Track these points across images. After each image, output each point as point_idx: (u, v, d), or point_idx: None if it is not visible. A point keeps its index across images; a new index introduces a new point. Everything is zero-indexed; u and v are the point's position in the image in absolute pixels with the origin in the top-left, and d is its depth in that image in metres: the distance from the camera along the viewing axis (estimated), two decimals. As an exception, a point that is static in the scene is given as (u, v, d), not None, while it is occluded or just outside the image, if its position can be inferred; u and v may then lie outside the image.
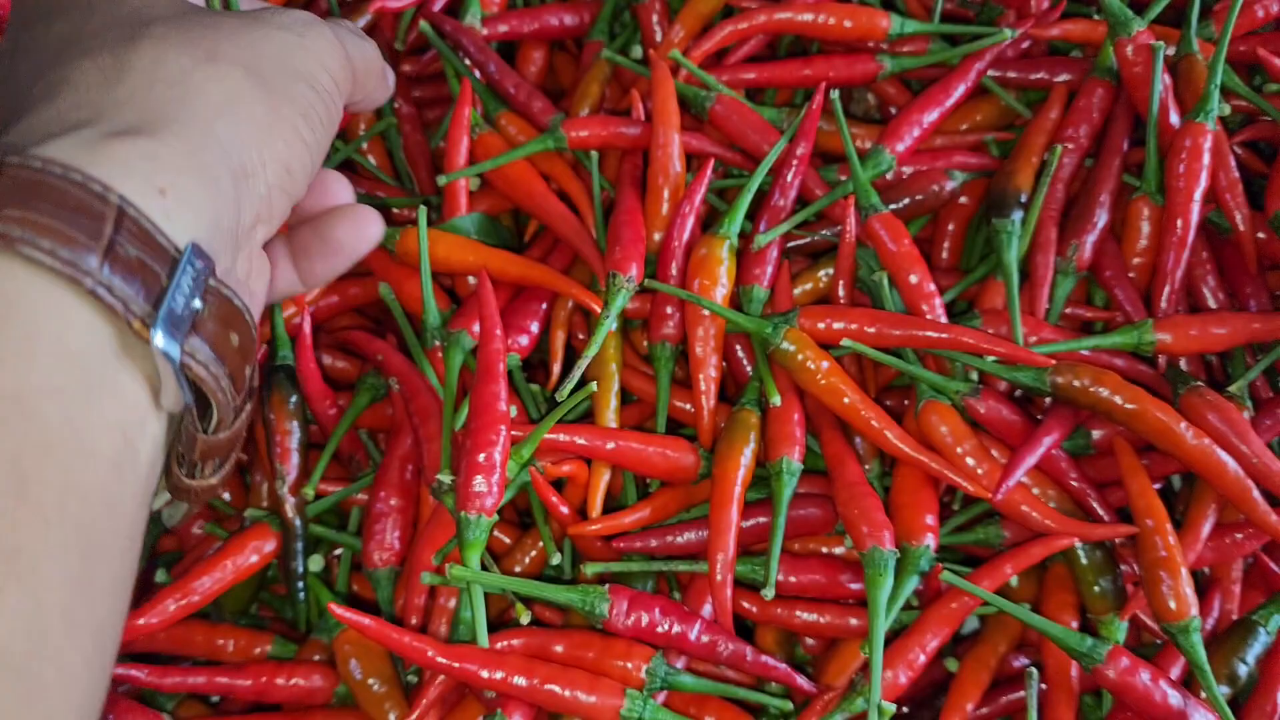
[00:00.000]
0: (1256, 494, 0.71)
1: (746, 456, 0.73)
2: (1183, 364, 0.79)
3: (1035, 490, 0.75)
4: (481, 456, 0.68)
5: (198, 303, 0.48)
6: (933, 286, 0.77)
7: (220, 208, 0.52)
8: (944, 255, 0.85)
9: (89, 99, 0.52)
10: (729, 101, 0.83)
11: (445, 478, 0.70)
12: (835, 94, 0.80)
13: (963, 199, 0.85)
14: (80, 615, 0.44)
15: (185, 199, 0.49)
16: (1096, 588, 0.73)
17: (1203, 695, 0.69)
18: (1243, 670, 0.72)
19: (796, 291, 0.81)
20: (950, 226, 0.85)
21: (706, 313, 0.76)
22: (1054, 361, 0.74)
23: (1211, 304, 0.81)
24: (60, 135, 0.49)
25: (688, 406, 0.79)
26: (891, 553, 0.69)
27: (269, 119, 0.56)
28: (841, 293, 0.79)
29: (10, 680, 0.40)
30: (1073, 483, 0.75)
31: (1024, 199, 0.80)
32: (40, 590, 0.42)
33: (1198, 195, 0.77)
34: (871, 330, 0.75)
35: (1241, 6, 0.85)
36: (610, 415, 0.76)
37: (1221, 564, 0.76)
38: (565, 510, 0.74)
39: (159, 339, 0.46)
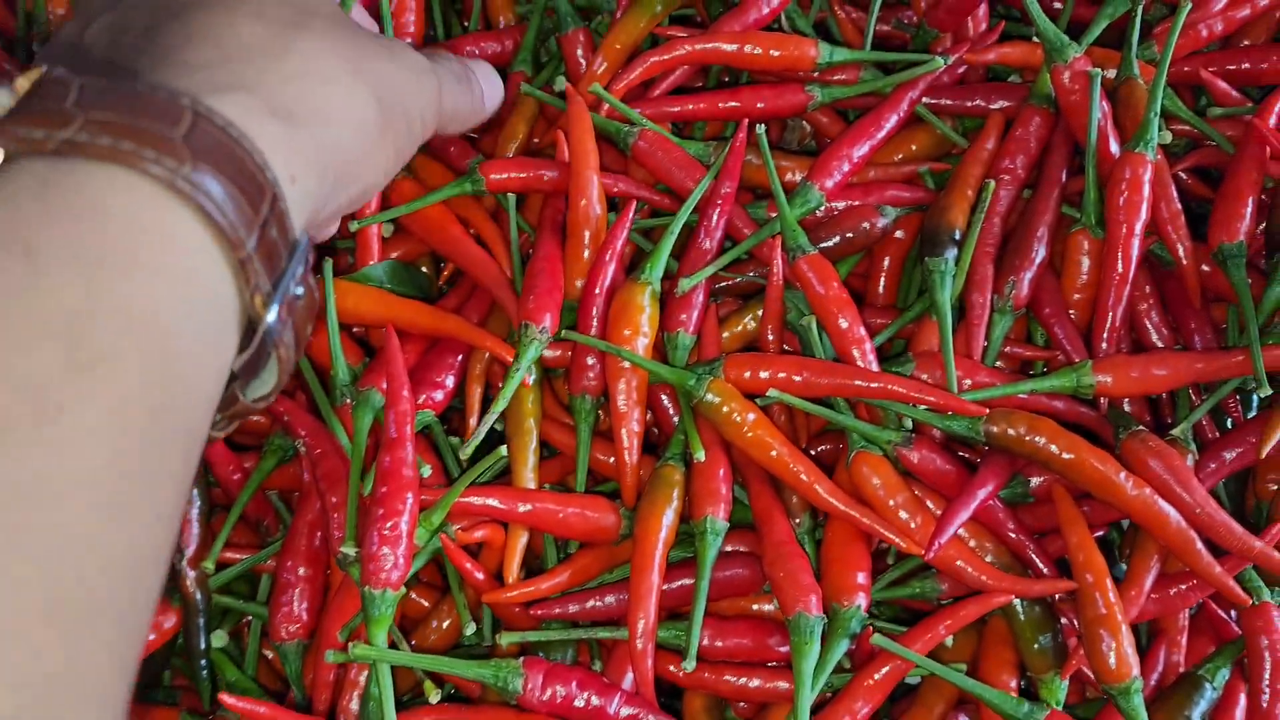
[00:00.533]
0: (1199, 545, 0.69)
1: (669, 516, 0.70)
2: (1126, 404, 0.76)
3: (972, 543, 0.72)
4: (388, 527, 0.65)
5: (299, 289, 0.50)
6: (863, 331, 0.74)
7: (317, 206, 0.54)
8: (880, 292, 0.82)
9: (249, 61, 0.52)
10: (652, 137, 0.79)
11: (350, 550, 0.67)
12: (762, 128, 0.77)
13: (899, 233, 0.82)
14: (166, 553, 0.45)
15: (305, 191, 0.51)
16: (1036, 645, 0.70)
17: (1146, 758, 0.66)
18: (1186, 729, 0.69)
19: (726, 335, 0.78)
20: (886, 262, 0.82)
21: (628, 364, 0.73)
22: (987, 411, 0.71)
23: (1155, 339, 0.78)
24: (225, 91, 0.49)
25: (613, 459, 0.76)
26: (818, 618, 0.66)
27: (376, 144, 0.59)
28: (770, 338, 0.76)
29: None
30: (1010, 534, 0.72)
31: (958, 235, 0.77)
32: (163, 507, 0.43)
33: (1138, 229, 0.74)
34: (799, 379, 0.72)
35: (1184, 26, 0.82)
36: (528, 473, 0.73)
37: (1166, 616, 0.74)
38: (481, 576, 0.70)
39: (271, 315, 0.48)
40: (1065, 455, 0.69)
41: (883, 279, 0.82)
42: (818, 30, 0.88)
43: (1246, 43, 0.86)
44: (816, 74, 0.83)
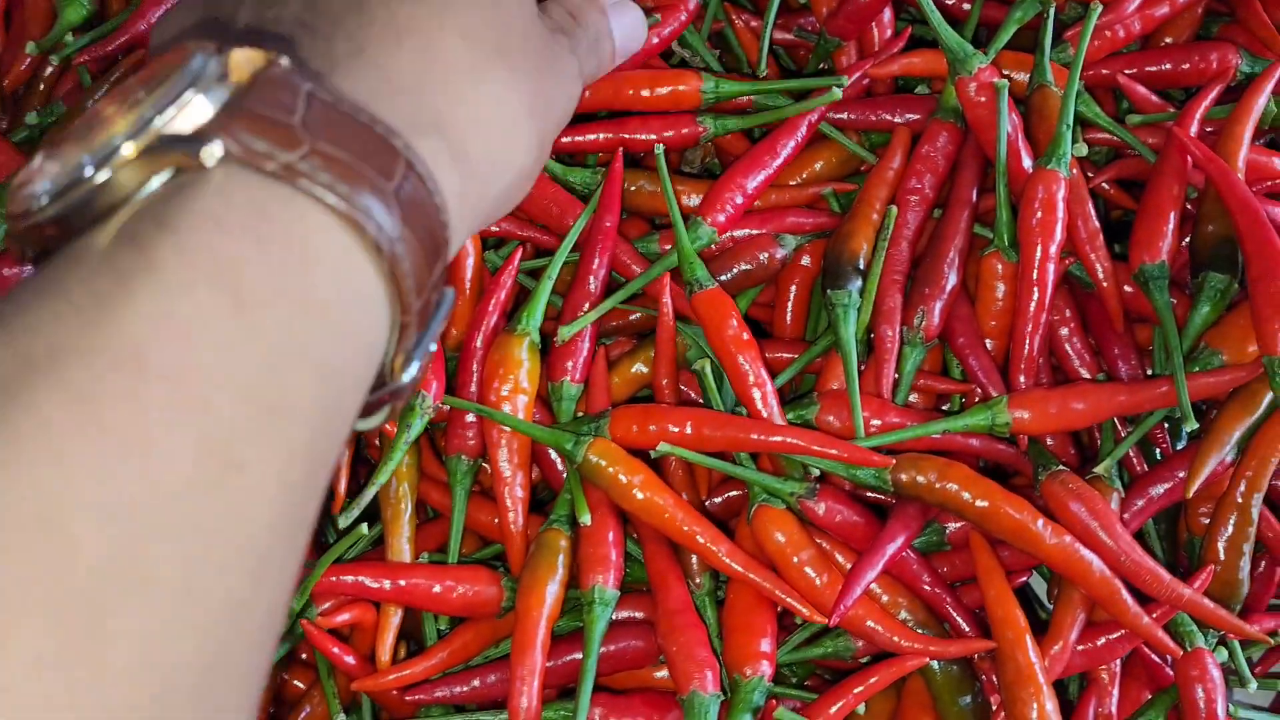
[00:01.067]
0: (1125, 594, 0.64)
1: (553, 587, 0.64)
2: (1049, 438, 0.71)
3: (885, 598, 0.67)
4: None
5: (433, 346, 0.44)
6: (765, 374, 0.68)
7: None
8: (787, 323, 0.76)
9: (447, 90, 0.45)
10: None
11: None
12: (660, 148, 0.71)
13: (805, 259, 0.76)
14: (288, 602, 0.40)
15: (456, 243, 0.44)
16: (956, 706, 0.65)
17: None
18: (1119, 788, 0.65)
19: (618, 380, 0.72)
20: (792, 290, 0.76)
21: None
22: (893, 461, 0.65)
23: (1077, 366, 0.73)
24: (427, 133, 0.42)
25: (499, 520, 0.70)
26: (713, 696, 0.61)
27: (525, 189, 0.52)
28: (664, 383, 0.70)
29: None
30: (925, 587, 0.67)
31: (862, 265, 0.71)
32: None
33: (1053, 251, 0.69)
34: (690, 433, 0.66)
35: (1099, 27, 0.76)
36: (403, 544, 0.67)
37: (1096, 666, 0.69)
38: (351, 661, 0.65)
39: (408, 375, 0.43)
40: (979, 503, 0.64)
41: (789, 309, 0.76)
42: (716, 40, 0.82)
43: (1168, 41, 0.81)
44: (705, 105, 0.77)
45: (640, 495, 0.65)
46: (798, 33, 0.82)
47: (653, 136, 0.74)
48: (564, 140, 0.75)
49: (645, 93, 0.74)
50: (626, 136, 0.75)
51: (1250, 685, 0.70)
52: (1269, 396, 0.67)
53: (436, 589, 0.65)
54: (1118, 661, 0.69)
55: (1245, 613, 0.71)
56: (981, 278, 0.73)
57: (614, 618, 0.67)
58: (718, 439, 0.66)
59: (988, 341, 0.73)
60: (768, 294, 0.78)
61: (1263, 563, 0.74)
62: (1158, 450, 0.74)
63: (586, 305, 0.70)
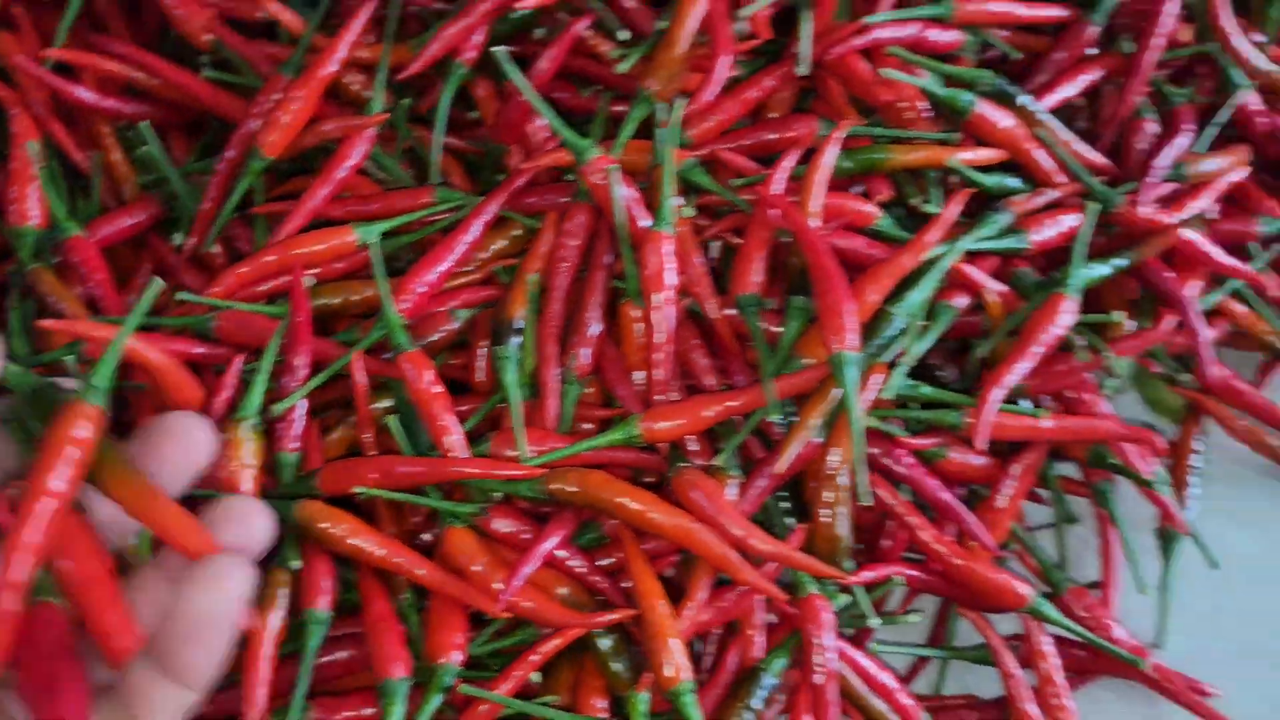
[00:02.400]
0: (735, 559, 0.80)
1: (275, 615, 0.79)
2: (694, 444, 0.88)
3: (561, 590, 0.83)
4: None
5: None
6: (451, 420, 0.84)
7: None
8: (479, 377, 0.93)
9: None
10: (227, 315, 0.90)
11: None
12: (376, 238, 0.88)
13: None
14: None
15: None
16: (615, 667, 0.81)
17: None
18: (748, 716, 0.81)
19: (335, 438, 0.88)
20: (480, 349, 0.93)
21: (237, 484, 0.83)
22: (541, 471, 0.82)
23: (707, 381, 0.90)
24: None
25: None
26: (402, 681, 0.76)
27: None
28: (366, 438, 0.87)
29: None
30: (586, 576, 0.83)
31: (519, 325, 0.88)
32: None
33: (663, 298, 0.86)
34: (383, 476, 0.82)
35: (708, 111, 0.96)
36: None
37: (739, 618, 0.85)
38: None
39: None
40: (615, 500, 0.81)
41: (480, 364, 0.93)
42: (406, 154, 1.00)
43: (772, 115, 1.00)
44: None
45: (349, 541, 0.81)
46: (471, 142, 1.00)
47: (316, 250, 0.91)
48: (245, 270, 0.91)
49: (315, 247, 0.92)
50: (290, 256, 0.92)
51: (874, 620, 0.87)
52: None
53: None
54: (760, 615, 0.85)
55: (872, 562, 0.88)
56: (621, 323, 0.90)
57: (335, 635, 0.82)
58: (407, 477, 0.82)
59: (639, 372, 0.90)
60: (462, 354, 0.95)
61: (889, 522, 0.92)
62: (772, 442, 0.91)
63: (295, 386, 0.86)
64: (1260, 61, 1.12)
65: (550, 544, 0.81)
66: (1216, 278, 1.03)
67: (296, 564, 0.80)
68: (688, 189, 0.95)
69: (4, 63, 1.00)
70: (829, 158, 0.92)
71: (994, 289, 0.92)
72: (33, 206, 0.95)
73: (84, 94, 0.99)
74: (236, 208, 0.95)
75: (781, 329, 0.89)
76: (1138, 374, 1.07)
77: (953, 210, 0.90)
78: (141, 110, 1.00)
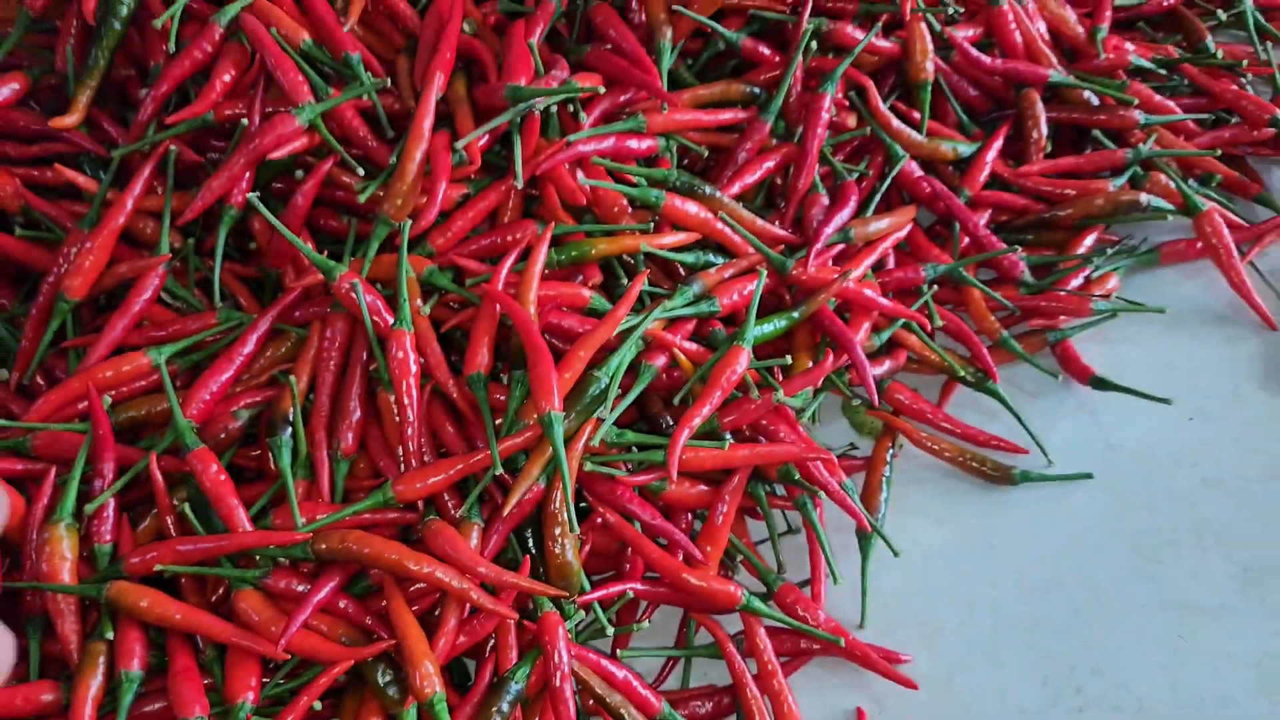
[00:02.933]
0: (474, 591, 0.98)
1: (95, 680, 0.95)
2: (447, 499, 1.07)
3: (342, 635, 1.00)
4: None
5: None
6: (234, 502, 1.01)
7: None
8: (272, 465, 1.10)
9: None
10: (42, 435, 1.06)
11: None
12: (162, 360, 1.06)
13: (275, 420, 1.11)
14: None
15: None
16: (384, 690, 0.98)
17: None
18: (499, 718, 0.98)
19: (144, 527, 1.05)
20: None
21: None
22: (307, 536, 0.99)
23: (456, 447, 1.09)
24: None
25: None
26: (200, 718, 0.93)
27: None
28: (169, 523, 1.04)
29: None
30: (356, 618, 1.01)
31: (291, 417, 1.07)
32: None
33: (407, 384, 1.05)
34: (181, 551, 0.99)
35: (447, 225, 1.16)
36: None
37: (495, 636, 1.03)
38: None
39: None
40: (371, 553, 0.99)
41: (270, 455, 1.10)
42: (200, 283, 1.18)
43: (506, 219, 1.21)
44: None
45: (154, 612, 0.97)
46: (258, 268, 1.19)
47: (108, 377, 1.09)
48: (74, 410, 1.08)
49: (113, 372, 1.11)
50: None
51: (608, 630, 1.05)
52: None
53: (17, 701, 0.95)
54: (512, 635, 1.03)
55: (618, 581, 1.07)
56: (380, 406, 1.09)
57: (150, 690, 0.98)
58: (201, 553, 0.99)
59: (398, 449, 1.08)
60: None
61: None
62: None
63: (103, 487, 1.03)
64: (915, 136, 1.36)
65: (321, 595, 0.98)
66: (888, 318, 1.26)
67: (110, 634, 0.96)
68: (431, 291, 1.15)
69: None
70: (540, 254, 1.13)
71: (680, 348, 1.13)
72: None
73: (-89, 260, 1.16)
74: (51, 344, 1.12)
75: (506, 398, 1.08)
76: (843, 404, 1.29)
77: (634, 289, 1.11)
78: (-37, 268, 1.18)
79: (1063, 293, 1.32)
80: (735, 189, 1.26)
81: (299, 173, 1.19)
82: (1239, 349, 1.35)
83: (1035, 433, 1.26)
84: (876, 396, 1.20)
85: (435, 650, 0.97)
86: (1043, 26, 1.47)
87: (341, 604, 1.01)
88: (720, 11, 1.36)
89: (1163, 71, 1.49)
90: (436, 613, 1.03)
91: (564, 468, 1.01)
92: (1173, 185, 1.38)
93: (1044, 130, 1.40)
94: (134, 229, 1.17)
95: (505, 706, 0.99)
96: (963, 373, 1.28)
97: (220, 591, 1.04)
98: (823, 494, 1.15)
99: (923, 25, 1.39)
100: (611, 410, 1.08)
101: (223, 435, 1.08)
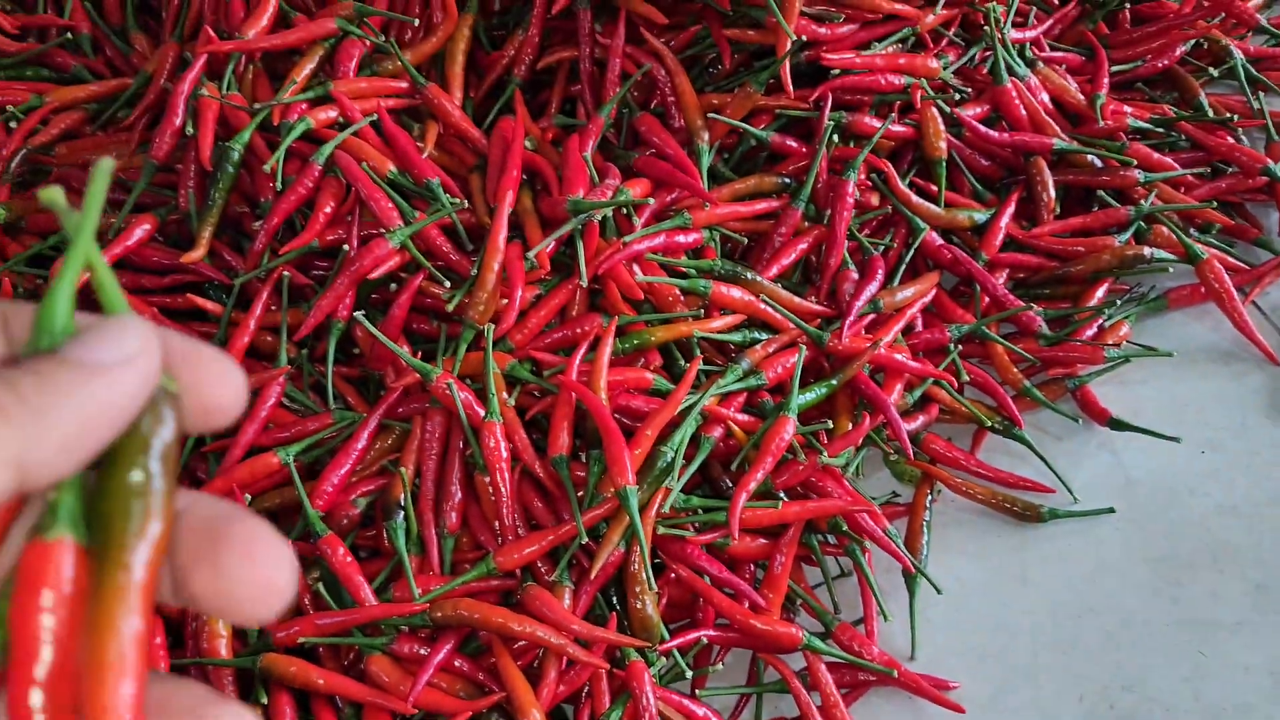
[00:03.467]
0: (571, 647, 1.14)
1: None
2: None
3: (459, 688, 1.16)
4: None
5: None
6: (360, 580, 1.19)
7: None
8: (387, 543, 1.27)
9: None
10: None
11: None
12: (290, 458, 1.24)
13: (386, 504, 1.29)
14: None
15: None
16: (498, 736, 1.15)
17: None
18: (597, 754, 1.14)
19: (285, 608, 1.22)
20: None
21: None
22: (425, 606, 1.16)
23: (544, 520, 1.25)
24: None
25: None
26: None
27: None
28: (306, 601, 1.21)
29: None
30: (471, 674, 1.17)
31: (403, 502, 1.24)
32: None
33: (498, 467, 1.22)
34: (319, 624, 1.16)
35: (531, 317, 1.33)
36: None
37: (590, 684, 1.18)
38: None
39: None
40: (475, 616, 1.15)
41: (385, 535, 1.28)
42: (313, 386, 1.36)
43: (574, 314, 1.38)
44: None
45: (296, 676, 1.14)
46: (362, 370, 1.37)
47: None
48: None
49: (249, 472, 1.28)
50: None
51: (687, 673, 1.21)
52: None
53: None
54: (600, 683, 1.19)
55: (692, 629, 1.22)
56: (477, 488, 1.26)
57: (299, 746, 1.15)
58: (335, 625, 1.16)
59: (495, 524, 1.25)
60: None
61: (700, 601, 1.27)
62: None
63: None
64: (934, 209, 1.52)
65: (439, 656, 1.15)
66: (919, 378, 1.41)
67: (264, 700, 1.14)
68: (514, 382, 1.32)
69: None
70: (607, 345, 1.30)
71: (734, 420, 1.29)
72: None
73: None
74: (194, 448, 1.31)
75: (585, 474, 1.24)
76: (884, 457, 1.44)
77: (691, 372, 1.27)
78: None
79: (1079, 342, 1.46)
80: (774, 271, 1.42)
81: (393, 285, 1.37)
82: (1245, 383, 1.47)
83: (1060, 472, 1.39)
84: (911, 450, 1.34)
85: (540, 699, 1.13)
86: (1045, 97, 1.62)
87: (457, 663, 1.17)
88: (750, 111, 1.52)
89: (1160, 130, 1.63)
90: (536, 665, 1.19)
91: (640, 534, 1.17)
92: (1175, 236, 1.52)
93: (1052, 193, 1.55)
94: (256, 344, 1.35)
95: (607, 748, 1.15)
96: (990, 422, 1.42)
97: (352, 657, 1.21)
98: (869, 541, 1.30)
99: (933, 109, 1.54)
100: (678, 479, 1.24)
101: (345, 521, 1.25)
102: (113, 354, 0.37)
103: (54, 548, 0.37)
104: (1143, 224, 1.54)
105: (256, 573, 0.39)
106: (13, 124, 1.59)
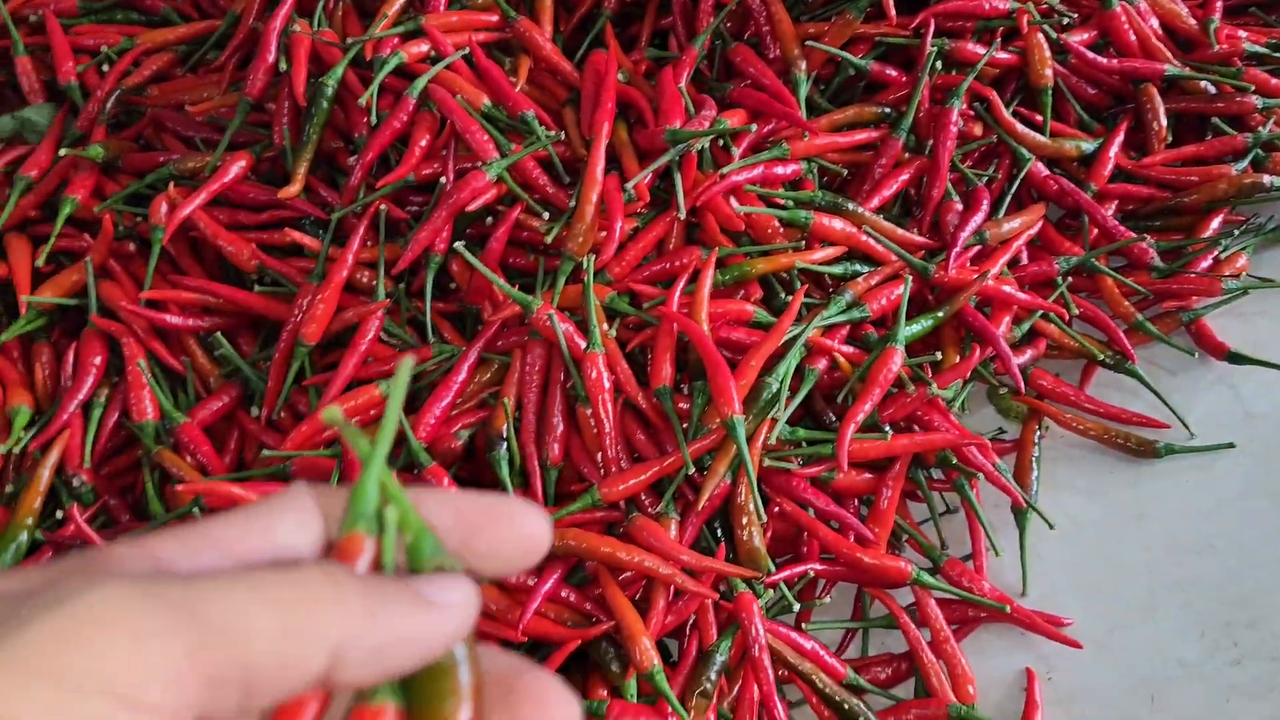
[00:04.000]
0: (679, 576, 1.13)
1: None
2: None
3: (566, 618, 1.15)
4: None
5: None
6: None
7: None
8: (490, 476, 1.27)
9: None
10: (299, 461, 1.24)
11: None
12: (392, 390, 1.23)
13: (487, 438, 1.28)
14: None
15: None
16: (607, 665, 1.13)
17: None
18: (708, 685, 1.12)
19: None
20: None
21: None
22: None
23: (646, 452, 1.23)
24: None
25: None
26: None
27: None
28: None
29: None
30: (578, 603, 1.16)
31: (505, 433, 1.23)
32: None
33: (604, 395, 1.21)
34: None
35: (621, 254, 1.31)
36: None
37: (696, 616, 1.17)
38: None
39: None
40: (583, 546, 1.14)
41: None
42: (410, 322, 1.36)
43: (671, 247, 1.35)
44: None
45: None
46: (459, 305, 1.36)
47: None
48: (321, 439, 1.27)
49: (351, 403, 1.27)
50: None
51: (794, 606, 1.19)
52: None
53: None
54: (711, 612, 1.17)
55: (797, 562, 1.20)
56: (579, 420, 1.24)
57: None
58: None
59: (598, 453, 1.23)
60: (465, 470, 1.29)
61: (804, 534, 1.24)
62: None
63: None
64: (1040, 138, 1.46)
65: (547, 586, 1.14)
66: (1027, 310, 1.36)
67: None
68: (613, 315, 1.29)
69: (112, 306, 1.37)
70: (708, 277, 1.27)
71: (839, 352, 1.26)
72: (148, 405, 1.31)
73: (171, 319, 1.36)
74: (294, 382, 1.31)
75: (689, 406, 1.22)
76: (989, 392, 1.40)
77: (795, 302, 1.24)
78: (214, 323, 1.37)
79: (1193, 275, 1.40)
80: (874, 203, 1.38)
81: (488, 219, 1.36)
82: (1371, 314, 1.41)
83: (1176, 407, 1.34)
84: (1022, 383, 1.30)
85: (647, 630, 1.12)
86: (1155, 22, 1.55)
87: (564, 593, 1.16)
88: (848, 39, 1.48)
89: (1277, 55, 1.56)
90: (639, 598, 1.18)
91: (748, 464, 1.15)
92: (1295, 164, 1.45)
93: (1164, 122, 1.49)
94: (354, 280, 1.35)
95: (712, 675, 1.13)
96: (1102, 356, 1.37)
97: (457, 587, 1.21)
98: (979, 475, 1.26)
99: (1039, 35, 1.48)
100: (784, 409, 1.21)
101: (448, 453, 1.25)
102: (445, 597, 0.41)
103: (380, 712, 0.40)
104: (1260, 151, 1.48)
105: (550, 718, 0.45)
106: (105, 67, 1.60)
